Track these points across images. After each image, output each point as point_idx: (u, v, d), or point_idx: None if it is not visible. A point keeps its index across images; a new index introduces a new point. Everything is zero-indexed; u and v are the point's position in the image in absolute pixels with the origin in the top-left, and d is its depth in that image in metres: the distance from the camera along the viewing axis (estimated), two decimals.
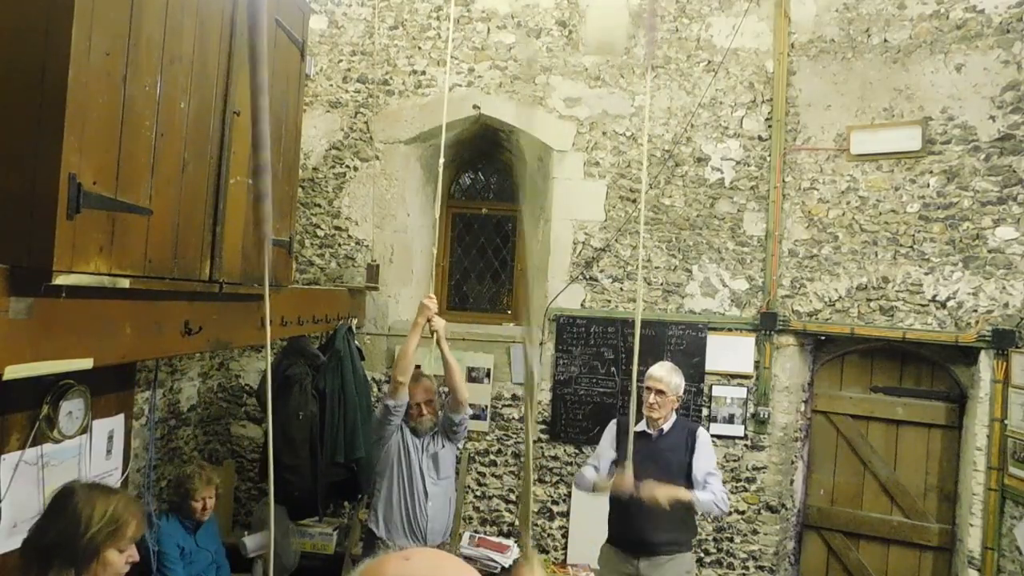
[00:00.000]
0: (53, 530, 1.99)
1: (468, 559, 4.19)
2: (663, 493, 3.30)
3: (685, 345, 4.68)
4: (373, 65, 5.04)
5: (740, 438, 4.64)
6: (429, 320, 3.67)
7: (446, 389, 3.85)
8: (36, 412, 2.69)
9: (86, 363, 1.95)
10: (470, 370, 4.89)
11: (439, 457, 3.75)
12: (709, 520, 4.63)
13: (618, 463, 3.60)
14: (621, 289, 4.81)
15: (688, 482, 3.50)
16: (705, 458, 3.53)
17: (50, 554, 1.95)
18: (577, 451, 4.80)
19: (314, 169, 5.08)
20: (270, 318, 3.19)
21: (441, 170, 4.04)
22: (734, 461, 4.65)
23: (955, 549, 4.27)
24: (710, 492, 3.41)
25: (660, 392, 3.53)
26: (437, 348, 3.75)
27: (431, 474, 3.71)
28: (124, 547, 2.04)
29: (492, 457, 4.89)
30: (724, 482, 4.62)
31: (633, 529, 3.55)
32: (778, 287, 4.62)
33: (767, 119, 4.66)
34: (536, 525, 4.84)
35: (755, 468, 4.62)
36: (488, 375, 4.90)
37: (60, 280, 1.75)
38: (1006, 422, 3.90)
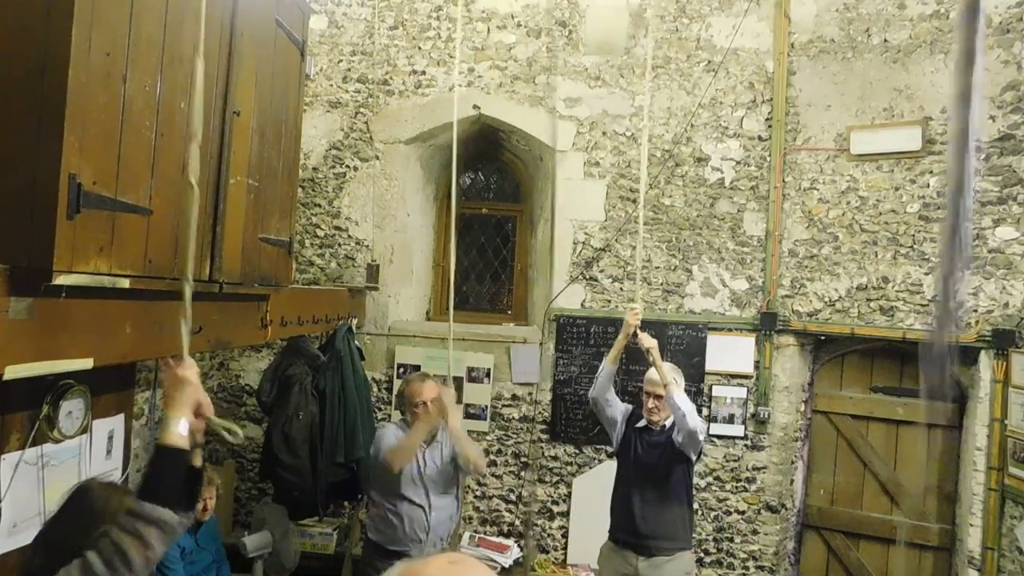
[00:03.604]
0: (65, 525, 1.97)
1: None
2: (653, 347, 3.52)
3: (685, 345, 4.67)
4: (373, 65, 5.04)
5: (740, 438, 4.64)
6: (444, 415, 3.38)
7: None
8: (36, 412, 2.69)
9: (86, 363, 1.95)
10: (470, 370, 4.89)
11: (443, 469, 3.60)
12: (709, 520, 4.63)
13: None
14: (621, 289, 4.81)
15: (686, 470, 3.60)
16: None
17: (60, 549, 1.93)
18: (577, 451, 4.80)
19: (314, 169, 5.08)
20: (270, 318, 3.20)
21: (455, 177, 4.01)
22: (734, 461, 4.65)
23: (955, 549, 4.27)
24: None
25: (659, 396, 3.57)
26: (459, 446, 3.50)
27: (435, 484, 3.56)
28: None
29: (492, 457, 4.89)
30: (724, 482, 4.64)
31: (633, 528, 3.58)
32: (778, 287, 4.62)
33: (767, 119, 4.66)
34: (536, 525, 4.84)
35: (755, 468, 4.62)
36: (488, 375, 4.89)
37: (60, 280, 1.75)
38: (1006, 422, 3.90)
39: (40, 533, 1.99)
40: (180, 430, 1.73)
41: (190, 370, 1.81)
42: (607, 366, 3.76)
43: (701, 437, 3.52)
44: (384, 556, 3.50)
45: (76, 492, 2.04)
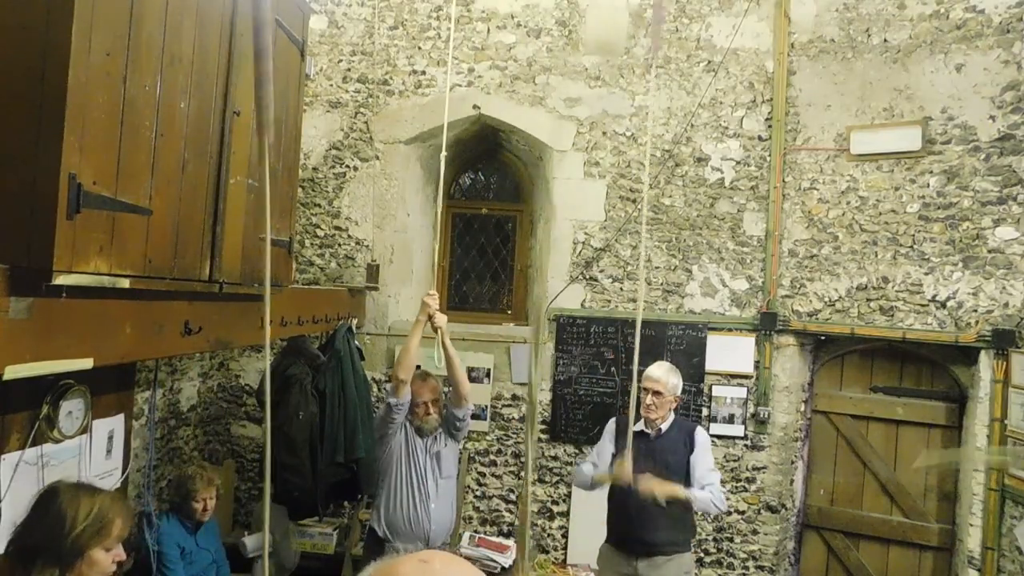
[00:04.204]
0: (37, 530, 1.97)
1: (468, 559, 4.19)
2: (660, 489, 3.31)
3: (685, 345, 4.67)
4: (373, 65, 5.04)
5: (740, 438, 4.64)
6: (431, 317, 3.60)
7: (448, 389, 3.85)
8: (36, 412, 2.69)
9: (86, 363, 1.95)
10: (470, 370, 4.88)
11: (442, 456, 3.74)
12: (709, 520, 4.63)
13: (617, 456, 3.62)
14: (621, 289, 4.81)
15: (687, 481, 3.50)
16: (703, 458, 3.54)
17: (34, 554, 1.93)
18: (577, 451, 4.80)
19: (314, 169, 5.07)
20: (270, 318, 3.20)
21: (442, 167, 4.01)
22: (734, 461, 4.65)
23: (955, 549, 4.27)
24: (708, 491, 3.41)
25: (657, 393, 3.53)
26: (440, 348, 3.68)
27: (434, 474, 3.70)
28: (110, 546, 2.02)
29: (492, 457, 4.89)
30: (724, 482, 4.63)
31: (632, 529, 3.56)
32: (778, 287, 4.62)
33: (767, 119, 4.66)
34: (536, 525, 4.84)
35: (755, 468, 4.62)
36: (488, 375, 4.90)
37: (60, 280, 1.75)
38: (1006, 422, 3.90)
39: (12, 542, 1.99)
40: None
41: None
42: (591, 481, 3.64)
43: (724, 508, 3.54)
44: (386, 552, 3.52)
45: (43, 496, 2.03)
